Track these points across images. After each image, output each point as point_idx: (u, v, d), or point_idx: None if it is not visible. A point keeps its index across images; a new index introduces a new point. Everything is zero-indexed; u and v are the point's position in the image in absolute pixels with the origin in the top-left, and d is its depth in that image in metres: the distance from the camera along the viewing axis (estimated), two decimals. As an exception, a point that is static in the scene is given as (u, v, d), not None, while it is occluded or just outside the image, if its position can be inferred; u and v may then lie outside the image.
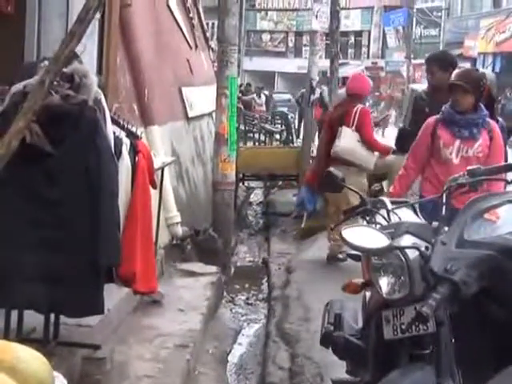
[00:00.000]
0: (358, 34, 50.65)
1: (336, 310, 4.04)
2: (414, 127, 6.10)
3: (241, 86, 26.30)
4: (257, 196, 15.51)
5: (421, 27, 41.53)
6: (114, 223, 4.33)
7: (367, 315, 3.82)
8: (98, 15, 5.92)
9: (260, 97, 25.42)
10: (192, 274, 7.51)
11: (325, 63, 14.18)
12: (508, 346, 3.11)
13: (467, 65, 32.14)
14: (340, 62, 15.02)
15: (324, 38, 20.95)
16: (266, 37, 55.94)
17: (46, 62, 4.12)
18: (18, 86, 4.19)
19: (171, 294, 6.64)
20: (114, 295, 5.25)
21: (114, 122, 4.73)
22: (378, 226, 3.58)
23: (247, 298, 8.27)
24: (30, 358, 2.64)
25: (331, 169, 4.06)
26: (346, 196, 6.79)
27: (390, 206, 3.77)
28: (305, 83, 22.54)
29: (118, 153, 4.56)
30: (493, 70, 29.93)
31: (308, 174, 9.28)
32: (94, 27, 6.12)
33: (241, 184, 13.21)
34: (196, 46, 12.40)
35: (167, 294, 6.53)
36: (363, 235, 3.21)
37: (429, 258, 3.10)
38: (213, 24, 25.65)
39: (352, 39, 50.75)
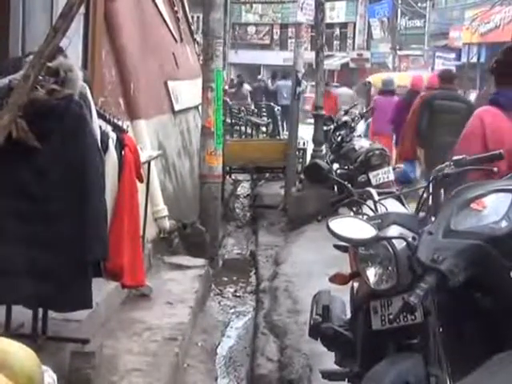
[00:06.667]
0: (343, 25, 50.50)
1: (324, 302, 4.05)
2: None
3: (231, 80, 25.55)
4: (244, 189, 15.51)
5: (405, 18, 41.45)
6: (101, 217, 4.32)
7: (355, 306, 3.84)
8: (82, 10, 5.90)
9: (241, 88, 24.29)
10: (180, 267, 7.51)
11: (310, 55, 14.11)
12: (495, 334, 3.13)
13: (452, 56, 32.28)
14: (326, 53, 14.99)
15: (309, 30, 20.94)
16: (251, 30, 55.75)
17: (31, 57, 4.10)
18: (3, 81, 4.17)
19: (159, 288, 6.65)
20: (102, 289, 5.25)
21: (100, 116, 4.72)
22: (365, 217, 3.60)
23: (235, 291, 8.28)
24: (19, 353, 2.64)
25: (317, 160, 4.08)
26: None
27: (376, 197, 3.79)
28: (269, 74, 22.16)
29: (105, 147, 4.56)
30: (478, 60, 29.99)
31: (401, 151, 10.22)
32: (79, 22, 6.10)
33: (228, 177, 13.20)
34: (181, 40, 12.36)
35: (155, 287, 6.53)
36: (350, 226, 3.21)
37: (416, 248, 3.11)
38: (198, 17, 25.56)
39: (337, 31, 50.58)
